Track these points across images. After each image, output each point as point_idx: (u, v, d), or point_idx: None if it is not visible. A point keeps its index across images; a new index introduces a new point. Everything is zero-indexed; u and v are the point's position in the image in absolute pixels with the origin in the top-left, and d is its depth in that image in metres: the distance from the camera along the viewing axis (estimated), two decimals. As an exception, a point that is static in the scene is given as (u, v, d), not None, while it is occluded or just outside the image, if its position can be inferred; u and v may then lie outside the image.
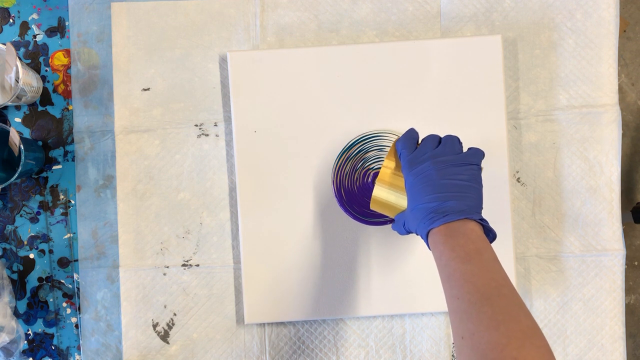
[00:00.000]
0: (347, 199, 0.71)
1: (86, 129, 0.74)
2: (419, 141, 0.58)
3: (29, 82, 0.69)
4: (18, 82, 0.66)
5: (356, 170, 0.71)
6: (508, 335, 0.44)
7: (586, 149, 0.74)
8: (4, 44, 0.67)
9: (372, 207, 0.60)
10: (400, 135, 0.59)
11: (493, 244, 0.53)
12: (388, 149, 0.70)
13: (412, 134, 0.58)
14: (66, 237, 0.74)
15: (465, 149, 0.58)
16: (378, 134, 0.71)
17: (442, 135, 0.58)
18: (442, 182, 0.53)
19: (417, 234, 0.56)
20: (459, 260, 0.50)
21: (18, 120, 0.74)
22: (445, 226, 0.52)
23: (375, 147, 0.71)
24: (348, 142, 0.71)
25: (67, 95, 0.74)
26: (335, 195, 0.71)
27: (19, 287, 0.74)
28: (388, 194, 0.58)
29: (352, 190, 0.71)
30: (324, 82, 0.72)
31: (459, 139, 0.57)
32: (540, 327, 0.73)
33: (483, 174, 0.56)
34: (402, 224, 0.58)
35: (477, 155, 0.56)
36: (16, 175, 0.66)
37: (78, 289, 0.74)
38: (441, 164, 0.54)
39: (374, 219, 0.71)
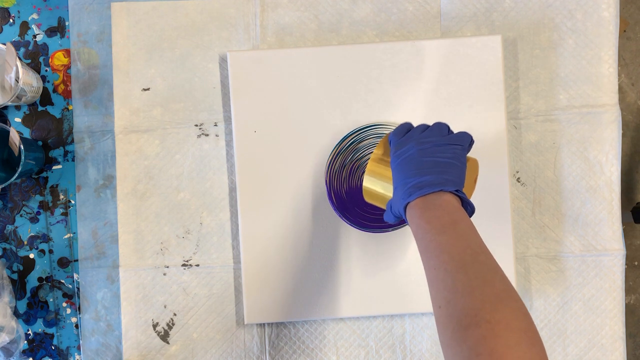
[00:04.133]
0: (338, 204, 0.71)
1: (86, 129, 0.74)
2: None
3: (29, 82, 0.69)
4: (18, 82, 0.66)
5: (345, 166, 0.71)
6: (482, 299, 0.44)
7: (586, 149, 0.74)
8: (4, 44, 0.67)
9: (365, 198, 0.61)
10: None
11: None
12: (383, 136, 0.70)
13: (405, 125, 0.59)
14: (66, 237, 0.74)
15: None
16: (373, 125, 0.71)
17: None
18: (422, 160, 0.54)
19: (399, 213, 0.56)
20: (435, 232, 0.50)
21: (18, 120, 0.74)
22: (422, 199, 0.52)
23: (373, 135, 0.71)
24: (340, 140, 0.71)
25: (67, 95, 0.74)
26: (329, 198, 0.71)
27: (19, 287, 0.74)
28: (375, 183, 0.59)
29: (341, 195, 0.71)
30: (324, 82, 0.72)
31: (447, 126, 0.57)
32: (540, 327, 0.73)
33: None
34: (390, 209, 0.58)
35: (462, 138, 0.56)
36: (16, 175, 0.66)
37: (78, 289, 0.74)
38: (424, 144, 0.54)
39: (364, 228, 0.70)
